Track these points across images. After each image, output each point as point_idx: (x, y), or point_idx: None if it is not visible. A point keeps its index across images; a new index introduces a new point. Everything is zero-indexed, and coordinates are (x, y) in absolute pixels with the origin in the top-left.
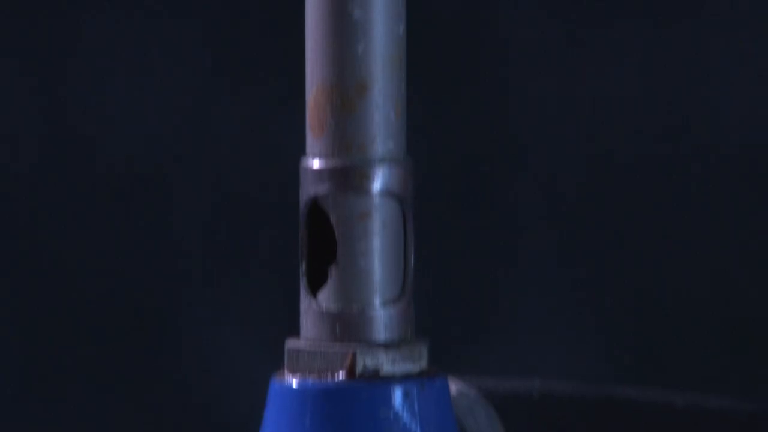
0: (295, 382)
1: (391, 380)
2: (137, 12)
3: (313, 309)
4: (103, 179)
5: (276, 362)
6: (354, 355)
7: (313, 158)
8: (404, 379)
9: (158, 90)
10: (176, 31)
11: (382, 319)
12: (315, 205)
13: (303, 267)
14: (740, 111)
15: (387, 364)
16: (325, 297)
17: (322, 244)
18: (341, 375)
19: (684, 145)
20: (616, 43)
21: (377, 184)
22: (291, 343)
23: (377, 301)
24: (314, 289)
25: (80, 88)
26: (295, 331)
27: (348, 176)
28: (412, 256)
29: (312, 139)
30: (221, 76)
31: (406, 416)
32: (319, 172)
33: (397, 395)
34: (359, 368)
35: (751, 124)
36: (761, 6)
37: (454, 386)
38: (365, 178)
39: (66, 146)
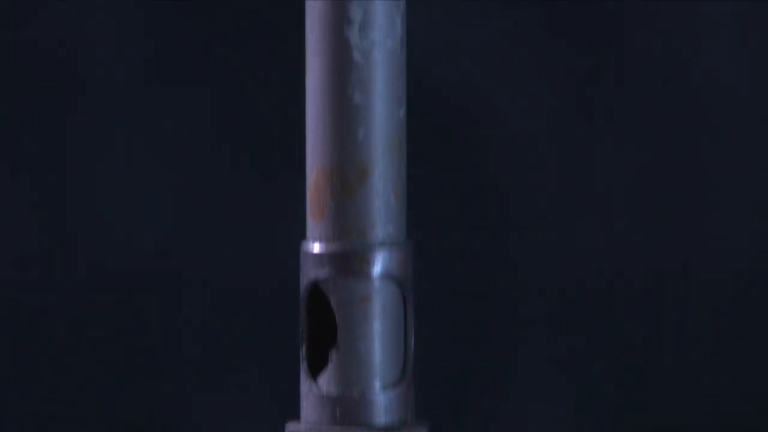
0: None
1: None
2: (136, 105)
3: (313, 393)
4: (105, 266)
5: None
6: None
7: (313, 242)
8: None
9: (158, 182)
10: (177, 122)
11: (382, 402)
12: (315, 288)
13: (303, 351)
14: (733, 226)
15: None
16: (326, 381)
17: (323, 328)
18: None
19: (677, 257)
20: (615, 149)
21: (377, 268)
22: (291, 427)
23: (377, 384)
24: (314, 372)
25: (82, 178)
26: (295, 414)
27: (348, 260)
28: (413, 339)
29: (312, 223)
30: (221, 162)
31: None
32: (319, 256)
33: None
34: None
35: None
36: (756, 131)
37: None
38: (365, 262)
39: (65, 247)
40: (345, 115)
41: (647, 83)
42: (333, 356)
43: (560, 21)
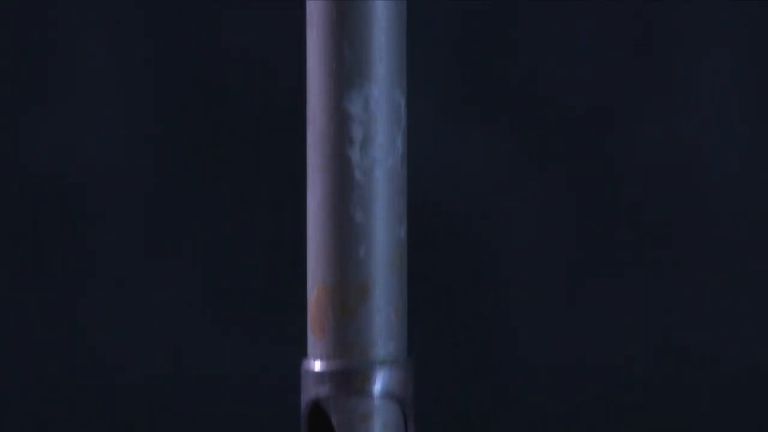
0: None
1: None
2: (138, 251)
3: None
4: (109, 399)
5: None
6: None
7: (314, 360)
8: None
9: (158, 318)
10: (174, 263)
11: None
12: (316, 406)
13: None
14: (738, 333)
15: None
16: None
17: None
18: None
19: (684, 371)
20: (619, 263)
21: (378, 387)
22: None
23: None
24: None
25: (93, 323)
26: None
27: (349, 378)
28: None
29: (313, 340)
30: (220, 285)
31: None
32: (320, 374)
33: None
34: None
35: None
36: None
37: None
38: (366, 380)
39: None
40: (346, 233)
41: (641, 192)
42: None
43: (554, 141)
